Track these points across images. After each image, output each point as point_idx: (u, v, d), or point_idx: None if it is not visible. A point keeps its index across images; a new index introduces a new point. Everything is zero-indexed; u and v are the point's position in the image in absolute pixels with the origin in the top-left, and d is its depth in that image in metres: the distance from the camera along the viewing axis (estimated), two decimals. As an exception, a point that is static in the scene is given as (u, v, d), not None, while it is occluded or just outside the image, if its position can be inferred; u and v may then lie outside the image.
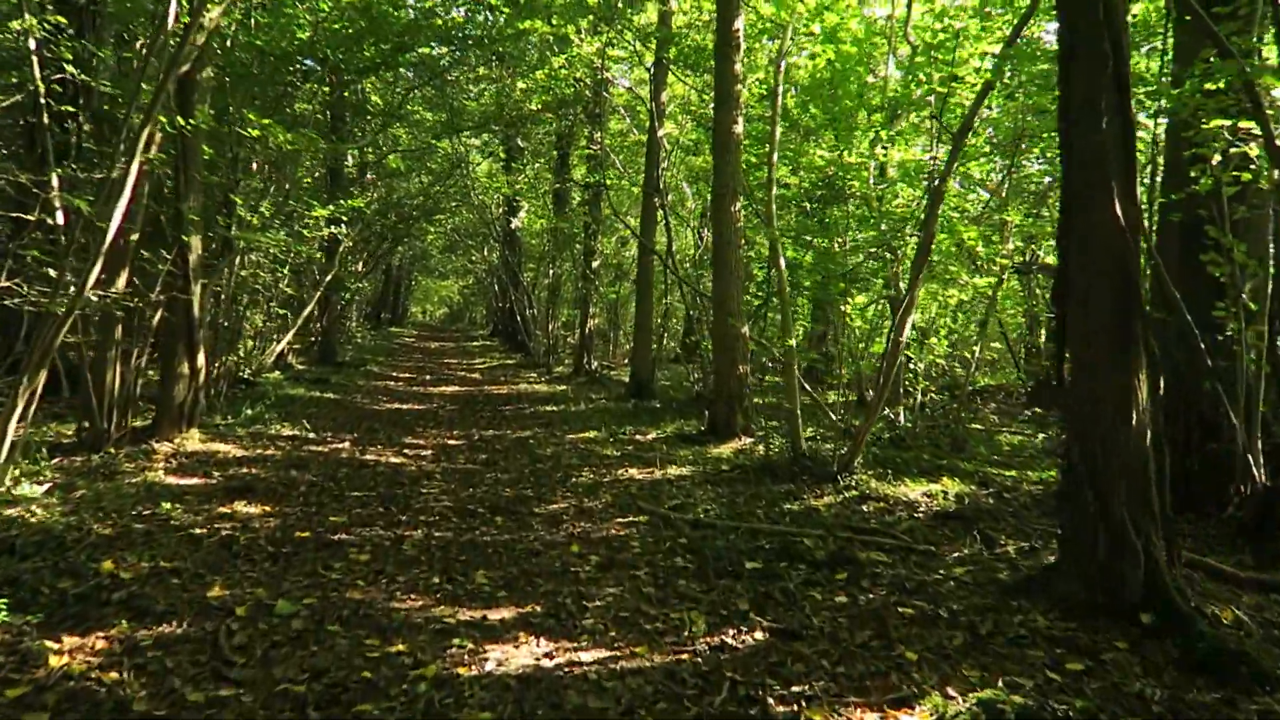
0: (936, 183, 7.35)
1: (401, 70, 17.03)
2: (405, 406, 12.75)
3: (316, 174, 17.71)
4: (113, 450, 7.57)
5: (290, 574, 4.77)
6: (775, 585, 4.86)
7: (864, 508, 6.85)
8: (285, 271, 14.25)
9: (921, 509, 6.79)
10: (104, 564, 4.58)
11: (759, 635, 4.18)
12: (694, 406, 13.54)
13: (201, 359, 8.22)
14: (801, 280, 12.41)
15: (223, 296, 10.84)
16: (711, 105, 15.30)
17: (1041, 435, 11.23)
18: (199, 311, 8.16)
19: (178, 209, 7.78)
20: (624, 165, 14.51)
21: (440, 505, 6.65)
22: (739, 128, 10.39)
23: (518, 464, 8.55)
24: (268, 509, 6.19)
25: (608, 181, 13.88)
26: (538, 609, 4.46)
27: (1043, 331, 16.72)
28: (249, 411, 10.19)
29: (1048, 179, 13.54)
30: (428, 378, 17.45)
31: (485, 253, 29.19)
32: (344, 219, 14.97)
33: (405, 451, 8.97)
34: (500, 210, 25.40)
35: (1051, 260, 13.02)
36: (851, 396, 11.88)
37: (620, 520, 6.40)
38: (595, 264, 18.92)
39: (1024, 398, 15.26)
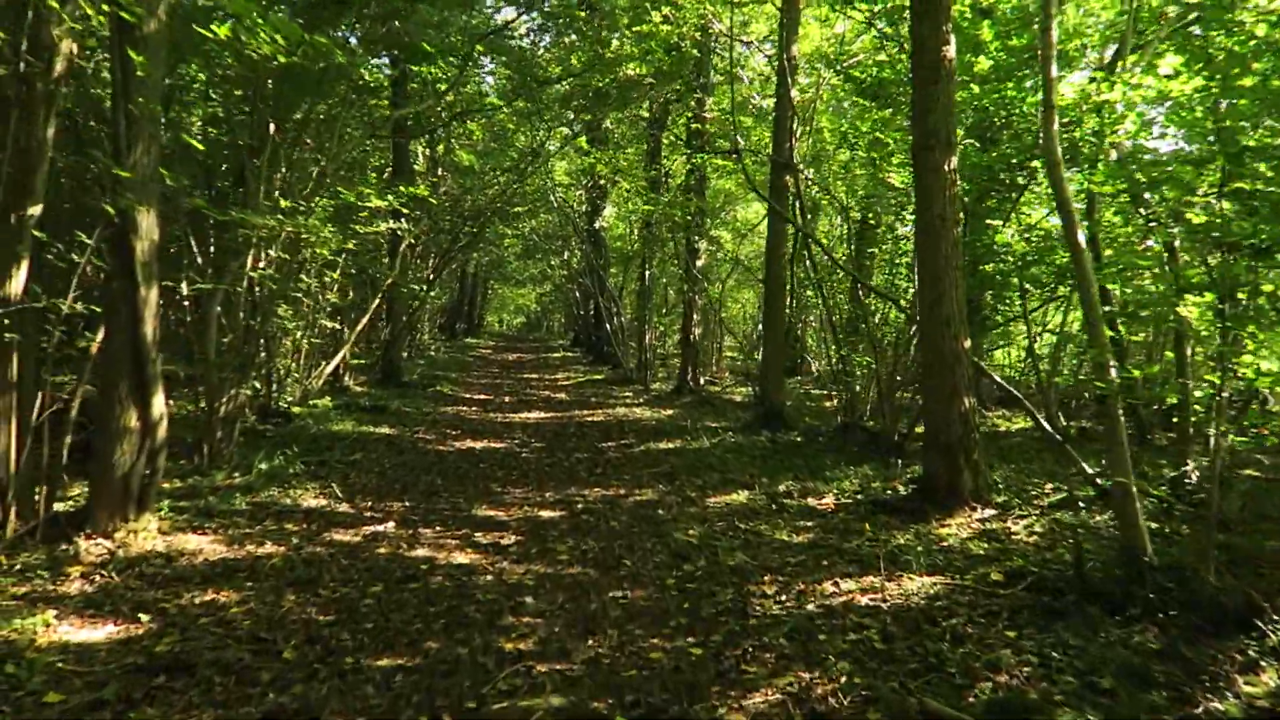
0: None
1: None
2: (479, 445, 9.50)
3: (386, 172, 14.72)
4: (2, 559, 4.45)
5: None
6: None
7: (1373, 705, 3.28)
8: (334, 276, 11.21)
9: None
10: None
11: None
12: (844, 439, 10.03)
13: (159, 404, 5.04)
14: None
15: (241, 305, 7.78)
16: (845, 56, 11.78)
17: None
18: (154, 330, 4.98)
19: (112, 170, 4.61)
20: (743, 138, 11.09)
21: (543, 706, 3.29)
22: (951, 50, 6.86)
23: (652, 565, 5.16)
24: (190, 741, 2.93)
25: (737, 153, 10.44)
26: None
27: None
28: (263, 466, 7.04)
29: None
30: (506, 400, 14.22)
31: (565, 256, 26.09)
32: (405, 211, 11.89)
33: (476, 537, 5.66)
34: (583, 208, 22.21)
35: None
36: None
37: (911, 754, 2.96)
38: (700, 262, 15.50)
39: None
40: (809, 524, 6.14)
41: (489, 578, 4.81)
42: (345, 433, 9.35)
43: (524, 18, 14.27)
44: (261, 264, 7.81)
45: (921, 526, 5.99)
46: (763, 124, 14.13)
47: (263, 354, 9.30)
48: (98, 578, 4.38)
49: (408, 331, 17.32)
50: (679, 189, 16.45)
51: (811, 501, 6.84)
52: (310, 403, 11.01)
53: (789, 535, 5.82)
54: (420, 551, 5.25)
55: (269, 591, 4.38)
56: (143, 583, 4.39)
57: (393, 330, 15.05)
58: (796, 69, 11.42)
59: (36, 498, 4.78)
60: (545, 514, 6.38)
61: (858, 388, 10.98)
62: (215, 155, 9.09)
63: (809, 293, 13.11)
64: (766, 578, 4.90)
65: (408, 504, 6.50)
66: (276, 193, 8.09)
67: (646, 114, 17.51)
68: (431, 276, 17.36)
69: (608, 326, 19.61)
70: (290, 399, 10.36)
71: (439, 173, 18.36)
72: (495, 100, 16.62)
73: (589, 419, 12.03)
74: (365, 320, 12.66)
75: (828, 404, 14.20)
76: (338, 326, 12.13)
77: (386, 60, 13.76)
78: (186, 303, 7.23)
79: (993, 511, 6.30)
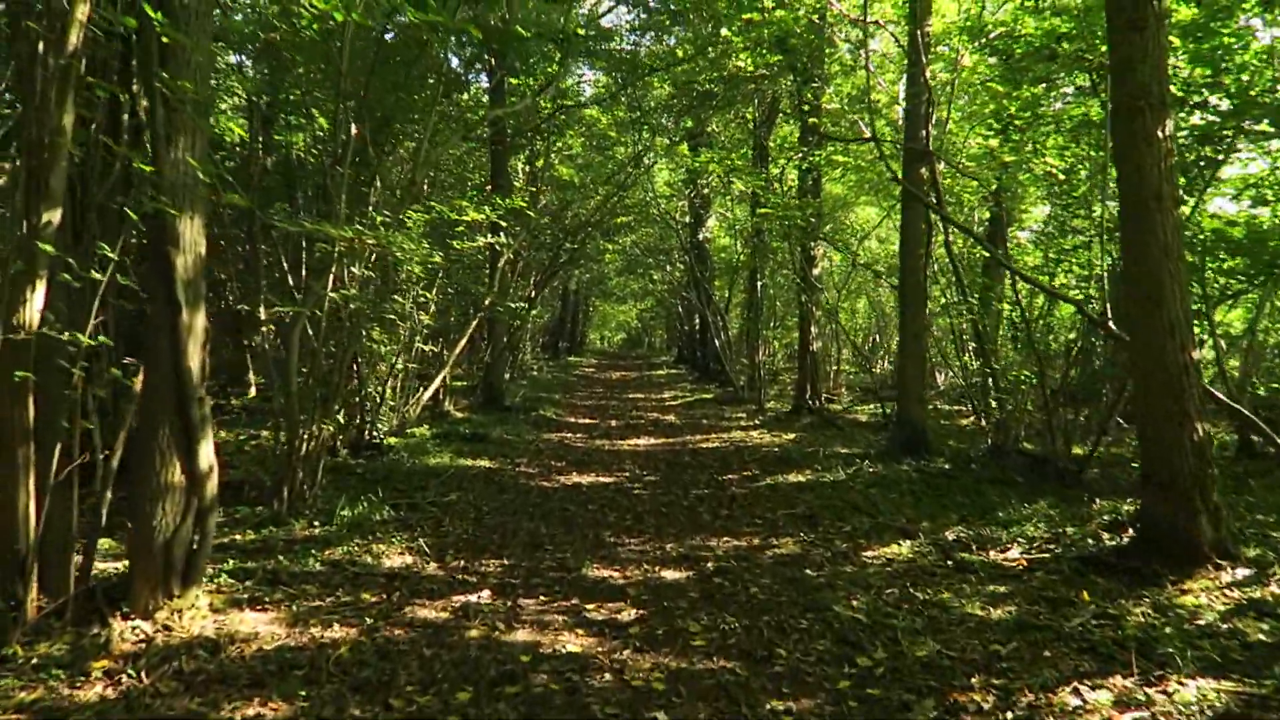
0: None
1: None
2: (585, 479, 8.43)
3: (486, 189, 13.97)
4: (18, 650, 3.59)
5: None
6: None
7: None
8: (430, 296, 10.39)
9: None
10: None
11: None
12: (1000, 466, 8.52)
13: (208, 454, 4.12)
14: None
15: (322, 330, 6.93)
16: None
17: None
18: (201, 363, 4.09)
19: (151, 175, 3.73)
20: (867, 128, 9.68)
21: None
22: (1162, -12, 5.41)
23: (814, 657, 3.90)
24: None
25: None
26: None
27: None
28: (346, 513, 6.13)
29: None
30: (612, 424, 13.17)
31: (667, 270, 25.06)
32: (504, 225, 11.02)
33: (588, 611, 4.53)
34: (685, 219, 21.10)
35: None
36: None
37: None
38: (816, 270, 14.13)
39: None
40: (1003, 590, 4.77)
41: (607, 676, 3.67)
42: (442, 467, 8.43)
43: (624, 12, 13.34)
44: (347, 283, 6.95)
45: (1157, 594, 4.54)
46: (880, 118, 12.67)
47: (354, 382, 8.52)
48: (124, 678, 3.46)
49: (509, 352, 16.54)
50: (787, 193, 15.14)
51: (995, 555, 5.45)
52: (408, 431, 10.22)
53: (983, 609, 4.47)
54: (520, 635, 4.15)
55: (328, 700, 3.35)
56: (177, 685, 3.44)
57: (493, 351, 14.25)
58: (930, 48, 10.00)
59: (53, 578, 3.92)
60: (669, 575, 5.21)
61: (1010, 404, 9.42)
62: (310, 174, 8.40)
63: (939, 297, 11.60)
64: (974, 679, 3.59)
65: (506, 562, 5.44)
66: (368, 206, 7.30)
67: (752, 116, 16.31)
68: (533, 294, 16.54)
69: (715, 342, 18.38)
70: (385, 429, 9.55)
71: (538, 186, 17.59)
72: (595, 113, 15.73)
73: (703, 445, 10.82)
74: (464, 341, 11.84)
75: (963, 422, 12.61)
76: (436, 350, 11.33)
77: (484, 75, 13.08)
78: (264, 329, 6.44)
79: (1246, 571, 4.78)
